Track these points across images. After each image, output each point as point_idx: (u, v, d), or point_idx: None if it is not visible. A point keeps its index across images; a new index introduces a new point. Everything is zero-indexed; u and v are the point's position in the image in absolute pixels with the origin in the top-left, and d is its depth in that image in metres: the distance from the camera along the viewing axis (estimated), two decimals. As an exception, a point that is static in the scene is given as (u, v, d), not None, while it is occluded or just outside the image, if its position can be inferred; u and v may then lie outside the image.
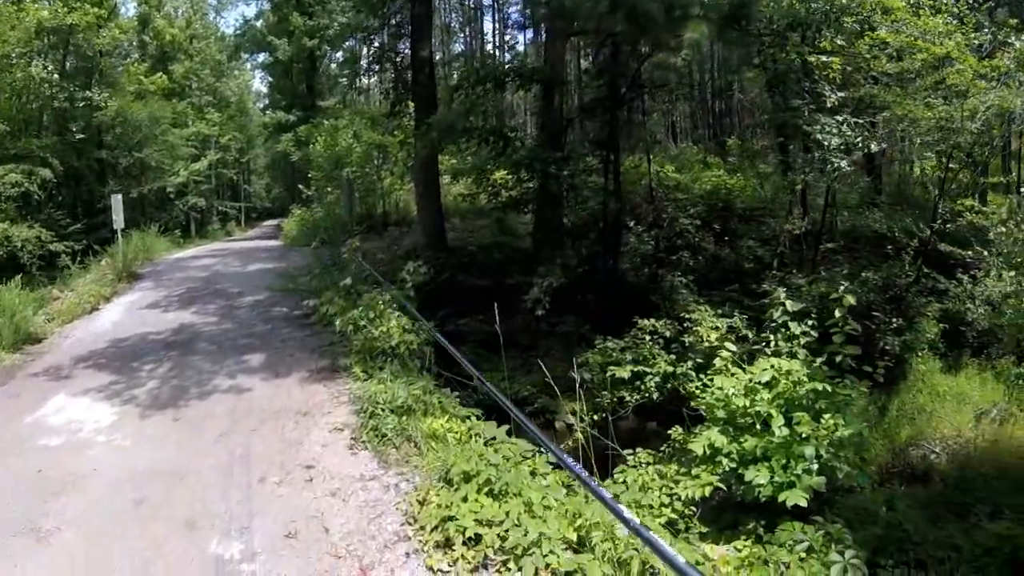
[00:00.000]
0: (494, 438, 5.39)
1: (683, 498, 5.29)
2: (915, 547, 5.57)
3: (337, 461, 5.62)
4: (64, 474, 5.52)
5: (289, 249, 22.46)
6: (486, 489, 4.43)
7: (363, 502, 4.88)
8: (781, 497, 5.04)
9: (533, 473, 4.99)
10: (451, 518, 4.18)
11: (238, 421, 6.68)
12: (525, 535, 3.90)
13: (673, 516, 5.23)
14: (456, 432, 5.75)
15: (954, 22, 10.66)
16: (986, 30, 11.00)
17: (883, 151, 16.85)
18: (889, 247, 13.33)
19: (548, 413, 10.45)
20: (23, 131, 20.03)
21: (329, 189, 24.00)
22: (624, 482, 5.55)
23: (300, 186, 28.60)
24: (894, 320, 11.27)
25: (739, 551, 4.97)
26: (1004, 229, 10.99)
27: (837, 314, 6.24)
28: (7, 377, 8.56)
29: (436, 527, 4.25)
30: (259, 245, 25.42)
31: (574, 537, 4.10)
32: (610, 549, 3.90)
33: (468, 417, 6.17)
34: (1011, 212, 11.23)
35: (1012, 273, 11.46)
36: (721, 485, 5.31)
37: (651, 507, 5.17)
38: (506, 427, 5.54)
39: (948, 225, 12.20)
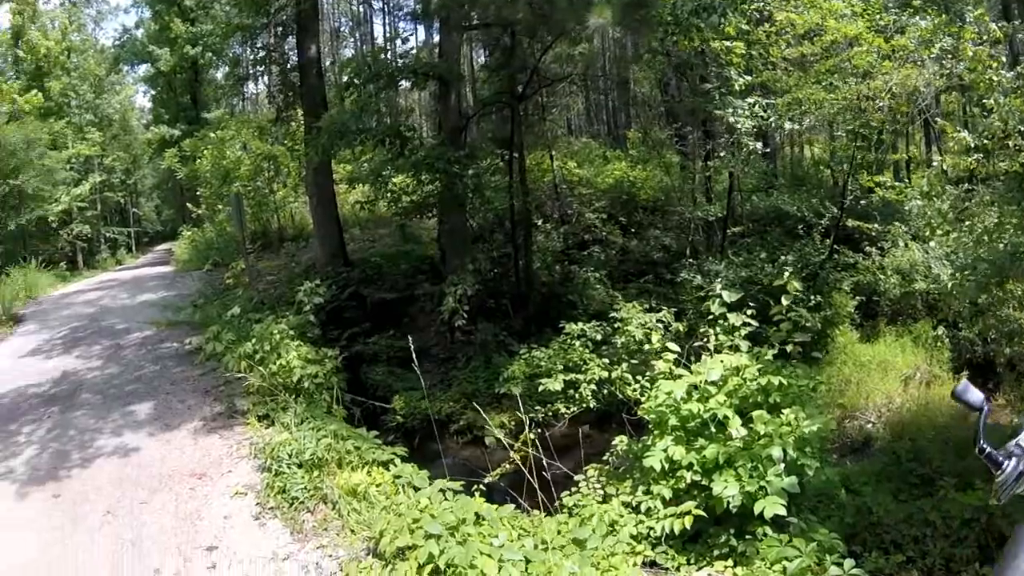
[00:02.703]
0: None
1: (659, 533, 4.66)
2: (887, 529, 5.19)
3: (243, 537, 4.77)
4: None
5: (181, 274, 20.95)
6: (429, 568, 3.66)
7: (278, 592, 4.05)
8: (757, 508, 4.50)
9: (478, 519, 4.27)
10: (389, 615, 3.40)
11: (126, 493, 5.75)
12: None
13: (649, 555, 4.58)
14: (380, 484, 4.93)
15: (859, 3, 10.64)
16: (891, 10, 11.07)
17: (777, 136, 17.06)
18: (800, 227, 13.39)
19: (475, 429, 9.74)
20: None
21: (220, 207, 22.52)
22: (589, 520, 4.80)
23: (189, 205, 26.85)
24: (812, 297, 11.25)
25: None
26: (923, 201, 11.27)
27: (784, 301, 5.82)
28: None
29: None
30: (150, 272, 23.69)
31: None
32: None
33: (391, 462, 5.35)
34: (931, 185, 11.47)
35: (932, 243, 11.80)
36: (701, 512, 4.68)
37: (627, 546, 4.49)
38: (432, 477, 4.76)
39: (862, 202, 12.32)
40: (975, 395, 1.01)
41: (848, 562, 4.12)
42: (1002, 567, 0.93)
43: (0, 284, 15.85)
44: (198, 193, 24.95)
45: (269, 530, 4.81)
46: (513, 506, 4.87)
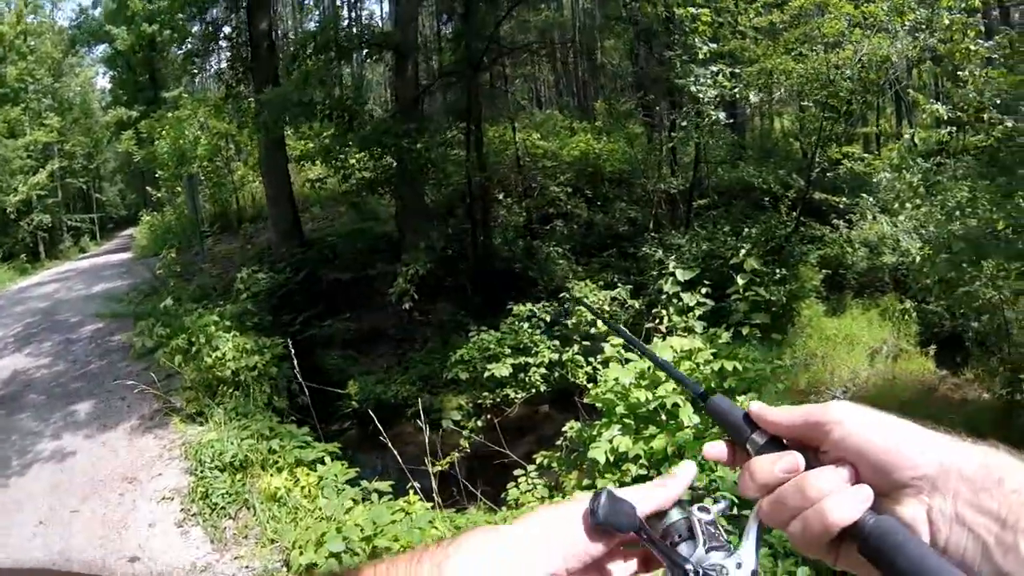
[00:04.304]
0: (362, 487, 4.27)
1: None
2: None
3: (165, 545, 4.61)
4: None
5: (139, 261, 20.32)
6: (335, 586, 3.33)
7: (194, 610, 3.79)
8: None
9: (403, 519, 3.97)
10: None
11: (59, 500, 5.65)
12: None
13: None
14: (304, 486, 4.61)
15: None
16: None
17: (747, 108, 16.81)
18: (766, 199, 13.21)
19: (433, 412, 9.47)
20: None
21: (179, 189, 21.79)
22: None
23: (150, 189, 26.08)
24: (777, 271, 11.10)
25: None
26: (893, 174, 11.09)
27: (740, 281, 5.52)
28: None
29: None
30: (110, 260, 23.25)
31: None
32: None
33: (320, 461, 5.01)
34: (901, 158, 11.25)
35: (901, 217, 11.57)
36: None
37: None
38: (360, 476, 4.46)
39: (828, 174, 12.22)
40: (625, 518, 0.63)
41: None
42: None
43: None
44: (157, 175, 24.20)
45: (191, 538, 4.60)
46: (434, 506, 4.56)
